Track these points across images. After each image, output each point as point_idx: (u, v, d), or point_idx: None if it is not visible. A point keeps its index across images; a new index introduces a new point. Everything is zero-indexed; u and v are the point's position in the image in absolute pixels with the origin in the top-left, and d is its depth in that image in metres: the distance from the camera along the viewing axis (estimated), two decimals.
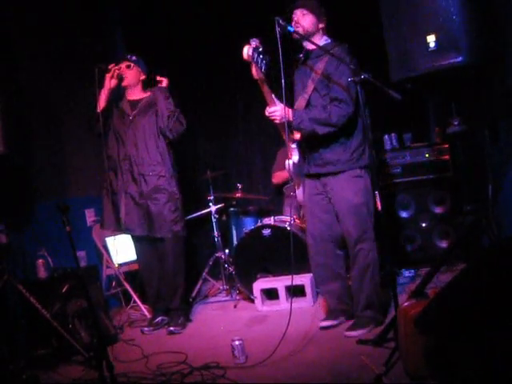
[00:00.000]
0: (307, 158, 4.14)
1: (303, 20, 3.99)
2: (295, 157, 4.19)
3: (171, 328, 4.71)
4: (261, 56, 3.74)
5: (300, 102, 4.09)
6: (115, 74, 4.75)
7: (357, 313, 4.05)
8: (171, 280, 4.83)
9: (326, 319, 4.22)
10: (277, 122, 3.95)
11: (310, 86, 4.02)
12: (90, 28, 6.10)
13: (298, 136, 4.14)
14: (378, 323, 3.95)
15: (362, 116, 3.71)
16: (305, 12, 4.00)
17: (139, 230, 4.74)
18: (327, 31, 4.13)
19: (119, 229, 4.85)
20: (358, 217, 3.95)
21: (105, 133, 4.81)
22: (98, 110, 4.69)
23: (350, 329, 3.96)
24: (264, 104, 3.99)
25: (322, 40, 4.07)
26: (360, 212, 3.94)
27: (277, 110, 3.91)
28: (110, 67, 4.76)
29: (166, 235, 4.75)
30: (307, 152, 4.13)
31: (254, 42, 3.71)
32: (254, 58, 3.70)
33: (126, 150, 4.77)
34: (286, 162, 4.25)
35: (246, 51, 3.70)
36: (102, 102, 4.73)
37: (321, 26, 4.06)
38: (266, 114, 3.97)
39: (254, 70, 3.78)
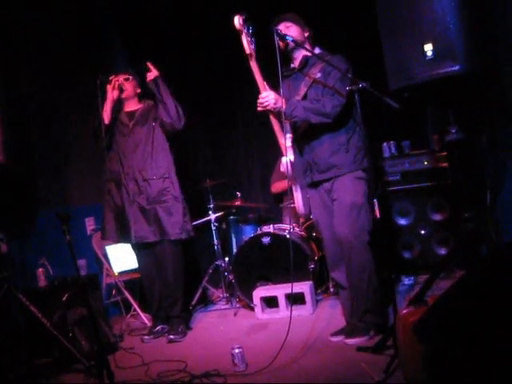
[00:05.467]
0: (308, 166, 4.11)
1: (289, 32, 4.00)
2: (291, 156, 4.13)
3: (171, 336, 4.72)
4: (250, 31, 3.78)
5: None
6: (116, 85, 4.79)
7: (357, 318, 3.99)
8: (171, 288, 4.84)
9: (337, 334, 4.09)
10: (269, 108, 3.92)
11: (303, 90, 4.03)
12: (90, 38, 6.13)
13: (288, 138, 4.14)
14: (378, 327, 3.89)
15: (360, 124, 3.70)
16: (288, 24, 4.04)
17: (152, 237, 4.76)
18: (320, 42, 4.16)
19: (120, 239, 4.89)
20: (354, 217, 3.90)
21: (108, 146, 4.84)
22: (106, 122, 4.75)
23: (349, 336, 3.94)
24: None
25: (314, 50, 4.09)
26: (357, 213, 3.90)
27: (269, 95, 3.89)
28: (110, 78, 4.80)
29: (180, 236, 4.78)
30: (308, 160, 4.10)
31: (244, 15, 3.76)
32: (245, 28, 3.75)
33: (128, 160, 4.81)
34: (283, 159, 4.12)
35: (238, 20, 3.75)
36: (107, 115, 4.76)
37: (306, 34, 4.09)
38: (259, 100, 3.94)
39: (245, 42, 3.80)
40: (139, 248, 4.93)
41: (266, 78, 3.93)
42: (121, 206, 4.82)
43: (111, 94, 4.78)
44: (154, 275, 4.94)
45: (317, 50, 4.11)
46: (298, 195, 4.21)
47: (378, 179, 5.28)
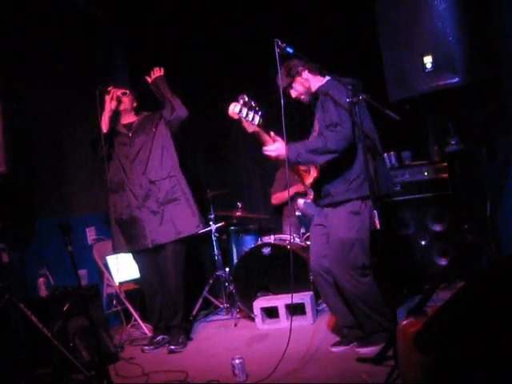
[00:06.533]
0: (317, 193, 4.14)
1: (297, 91, 4.08)
2: (311, 196, 4.23)
3: (172, 347, 4.72)
4: (252, 109, 3.73)
5: None
6: (114, 96, 4.83)
7: (368, 334, 3.97)
8: (172, 298, 4.85)
9: (338, 344, 4.12)
10: (273, 158, 3.89)
11: (316, 125, 4.05)
12: (91, 49, 6.17)
13: (310, 180, 4.16)
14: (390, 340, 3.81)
15: (361, 139, 3.61)
16: (292, 87, 4.06)
17: (167, 238, 4.77)
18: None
19: (130, 248, 4.90)
20: (345, 253, 3.89)
21: (108, 156, 4.87)
22: (105, 131, 4.79)
23: (362, 345, 3.93)
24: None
25: (323, 80, 4.06)
26: (349, 249, 3.88)
27: (271, 150, 3.85)
28: (109, 89, 4.84)
29: (197, 230, 4.87)
30: (316, 188, 4.13)
31: (242, 99, 3.72)
32: (243, 115, 3.71)
33: (131, 167, 4.84)
34: (299, 201, 4.31)
35: (232, 109, 3.72)
36: (105, 124, 4.81)
37: (305, 74, 4.04)
38: (264, 152, 3.93)
39: (245, 126, 3.79)
40: (141, 258, 4.93)
41: None
42: (125, 215, 4.84)
43: (109, 105, 4.84)
44: (155, 285, 4.94)
45: (326, 79, 4.04)
46: None
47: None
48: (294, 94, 4.11)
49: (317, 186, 4.10)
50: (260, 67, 4.96)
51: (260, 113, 3.77)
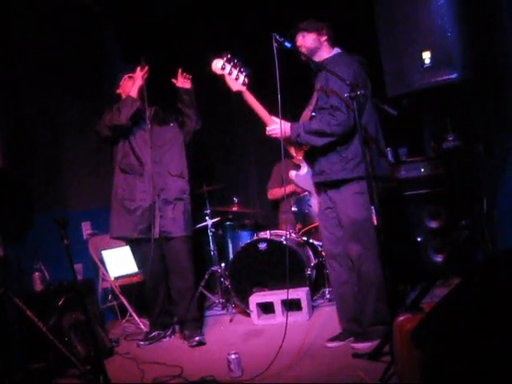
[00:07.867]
0: (311, 168, 4.12)
1: (304, 41, 4.03)
2: (304, 169, 4.17)
3: (197, 337, 4.65)
4: (237, 67, 3.73)
5: (305, 114, 4.10)
6: (145, 73, 4.80)
7: (366, 328, 3.97)
8: (188, 290, 4.82)
9: (333, 340, 4.12)
10: (278, 138, 3.92)
11: (314, 98, 4.03)
12: (89, 44, 6.14)
13: (302, 152, 4.15)
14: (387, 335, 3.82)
15: (359, 129, 3.59)
16: (304, 34, 4.04)
17: (177, 232, 4.76)
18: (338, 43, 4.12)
19: (137, 233, 4.76)
20: (357, 234, 3.90)
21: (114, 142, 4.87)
22: (135, 98, 4.74)
23: (358, 341, 3.93)
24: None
25: (331, 52, 4.05)
26: (360, 229, 3.88)
27: (276, 128, 3.90)
28: (145, 65, 4.80)
29: (190, 233, 4.89)
30: (310, 162, 4.11)
31: (225, 56, 3.73)
32: (227, 71, 3.72)
33: (153, 155, 4.78)
34: (290, 173, 4.21)
35: (215, 65, 3.74)
36: (135, 95, 4.76)
37: (323, 39, 4.03)
38: (267, 132, 3.96)
39: (229, 84, 3.80)
40: (147, 248, 4.73)
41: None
42: (139, 201, 4.75)
43: (141, 78, 4.77)
44: (160, 279, 4.87)
45: (334, 52, 4.05)
46: (314, 201, 4.30)
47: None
48: (301, 40, 4.05)
49: (311, 160, 4.07)
50: (260, 63, 4.93)
51: (245, 72, 3.78)
